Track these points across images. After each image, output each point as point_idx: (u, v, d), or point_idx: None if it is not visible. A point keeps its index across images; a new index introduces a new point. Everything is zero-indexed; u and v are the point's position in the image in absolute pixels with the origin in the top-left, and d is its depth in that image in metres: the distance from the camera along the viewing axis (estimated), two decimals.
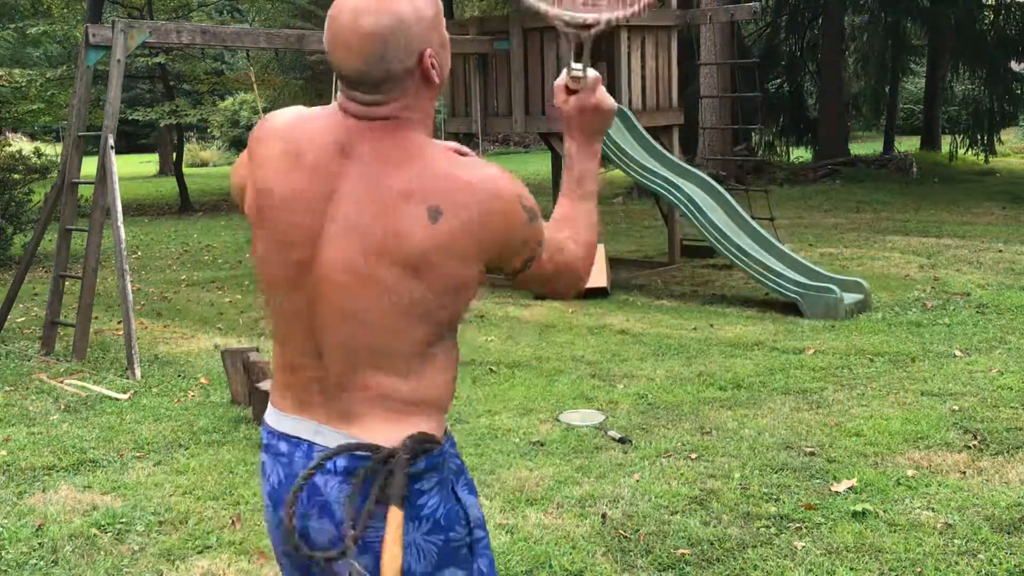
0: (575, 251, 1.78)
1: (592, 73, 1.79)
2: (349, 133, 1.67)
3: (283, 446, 1.76)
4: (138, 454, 4.99)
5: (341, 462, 1.66)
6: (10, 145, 13.34)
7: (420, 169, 1.62)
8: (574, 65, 1.77)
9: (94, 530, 3.98)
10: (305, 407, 1.74)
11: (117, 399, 6.01)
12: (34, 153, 12.40)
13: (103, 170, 6.98)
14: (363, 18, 1.61)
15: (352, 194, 1.64)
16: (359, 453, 1.66)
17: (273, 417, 1.80)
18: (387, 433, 1.67)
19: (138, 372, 6.56)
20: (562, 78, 1.80)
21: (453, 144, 1.74)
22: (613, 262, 10.03)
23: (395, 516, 1.61)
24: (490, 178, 1.64)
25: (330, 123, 1.69)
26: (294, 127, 1.72)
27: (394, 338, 1.66)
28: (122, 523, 4.06)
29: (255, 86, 10.47)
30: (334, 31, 1.64)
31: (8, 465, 4.84)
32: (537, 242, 1.70)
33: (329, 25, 1.65)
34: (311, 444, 1.72)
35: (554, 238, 1.75)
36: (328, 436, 1.70)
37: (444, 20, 1.71)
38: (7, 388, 6.34)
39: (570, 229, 1.79)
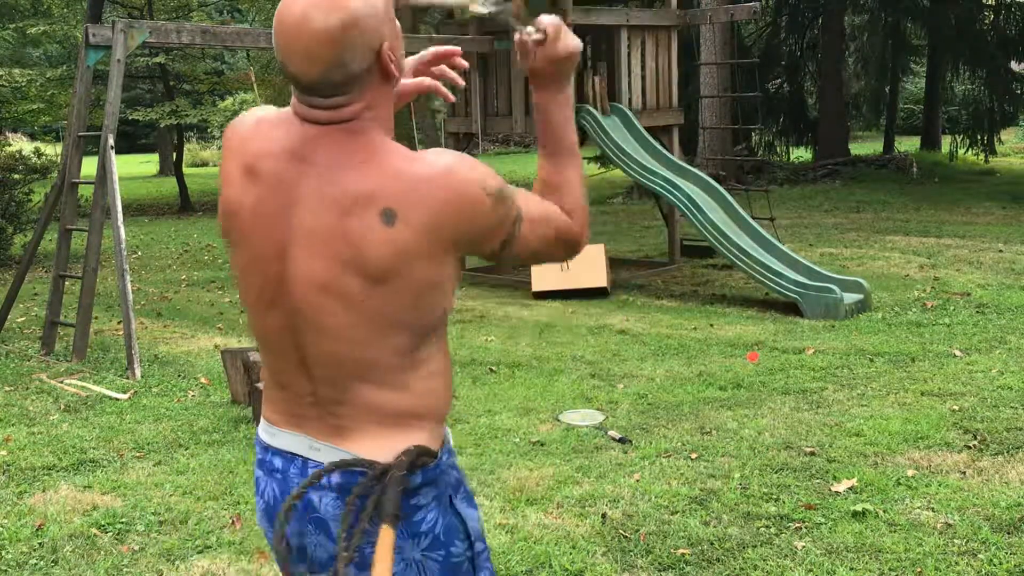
0: (563, 220, 1.69)
1: (549, 20, 1.70)
2: (305, 139, 1.59)
3: (277, 461, 1.71)
4: (138, 454, 4.99)
5: (336, 478, 1.62)
6: (10, 145, 13.34)
7: (375, 171, 1.55)
8: (528, 29, 1.69)
9: (94, 530, 3.98)
10: (298, 422, 1.69)
11: (117, 399, 6.01)
12: (34, 153, 12.39)
13: (103, 170, 6.98)
14: (313, 18, 1.50)
15: (309, 203, 1.57)
16: (354, 469, 1.62)
17: (266, 431, 1.75)
18: (381, 448, 1.63)
19: (138, 372, 6.56)
20: (522, 37, 1.70)
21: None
22: (613, 262, 10.03)
23: (386, 534, 1.56)
24: (444, 169, 1.54)
25: (287, 130, 1.62)
26: (252, 138, 1.66)
27: (374, 350, 1.59)
28: (122, 523, 4.05)
29: (255, 86, 10.46)
30: (284, 36, 1.53)
31: (8, 465, 4.84)
32: (512, 222, 1.61)
33: (277, 30, 1.55)
34: (305, 460, 1.67)
35: (537, 211, 1.66)
36: (323, 452, 1.66)
37: (393, 8, 1.61)
38: (7, 388, 6.34)
39: (554, 196, 1.70)
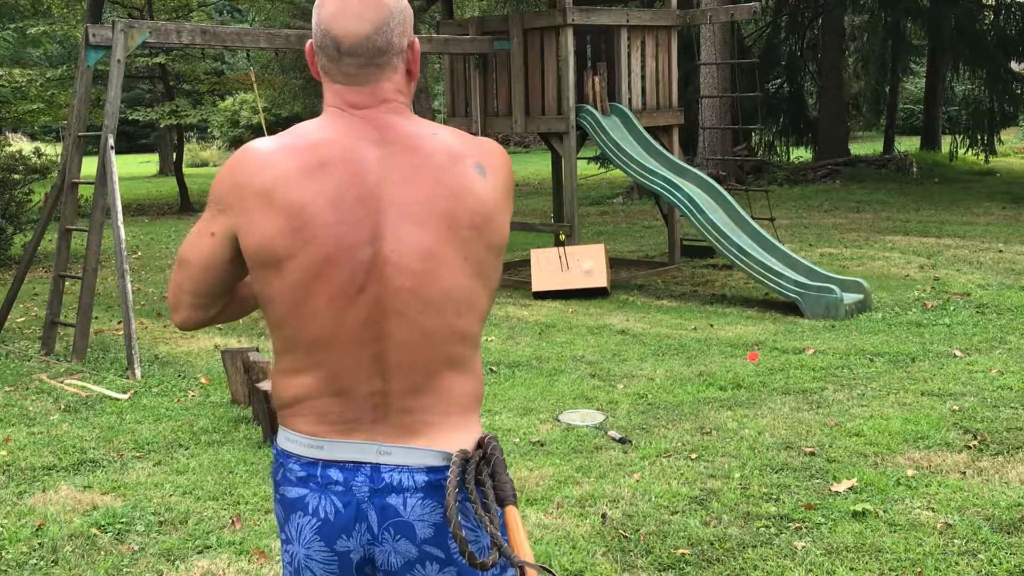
0: None
1: None
2: (362, 125, 1.66)
3: (335, 474, 1.64)
4: (138, 454, 4.99)
5: (422, 477, 1.61)
6: (10, 145, 13.34)
7: (448, 134, 1.67)
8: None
9: (94, 530, 3.98)
10: (357, 429, 1.64)
11: (117, 399, 6.01)
12: (34, 153, 12.38)
13: (103, 170, 6.98)
14: None
15: (397, 177, 1.61)
16: (435, 465, 1.62)
17: (310, 445, 1.66)
18: (456, 440, 1.64)
19: (138, 372, 6.56)
20: None
21: None
22: (613, 262, 10.03)
23: (512, 514, 1.60)
24: (500, 147, 1.72)
25: (336, 125, 1.66)
26: (295, 144, 1.64)
27: (466, 320, 1.65)
28: (122, 523, 4.05)
29: (255, 86, 10.45)
30: (340, 4, 1.65)
31: (8, 465, 4.84)
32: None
33: (331, 1, 1.67)
34: (376, 466, 1.62)
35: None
36: (395, 455, 1.62)
37: None
38: (7, 388, 6.34)
39: None
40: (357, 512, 1.63)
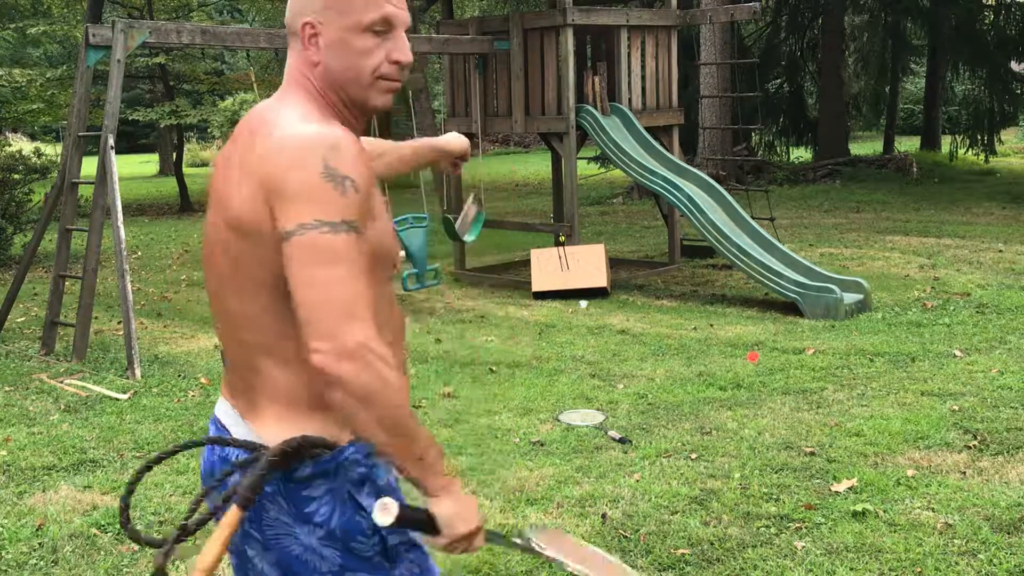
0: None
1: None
2: None
3: (211, 429, 1.79)
4: (138, 454, 4.99)
5: (241, 455, 1.68)
6: (10, 145, 13.33)
7: (272, 117, 1.66)
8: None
9: (94, 530, 3.98)
10: (231, 392, 1.76)
11: (117, 399, 6.01)
12: (34, 153, 12.38)
13: (103, 170, 6.98)
14: None
15: (219, 162, 1.72)
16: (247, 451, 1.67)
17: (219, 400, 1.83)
18: (279, 432, 1.64)
19: (138, 372, 6.56)
20: None
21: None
22: (613, 262, 10.03)
23: (231, 515, 1.58)
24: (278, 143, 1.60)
25: None
26: None
27: (257, 308, 1.63)
28: None
29: (255, 86, 10.45)
30: None
31: (8, 465, 4.84)
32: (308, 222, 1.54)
33: None
34: (227, 431, 1.74)
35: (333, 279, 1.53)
36: (239, 428, 1.71)
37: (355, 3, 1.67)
38: (7, 388, 6.34)
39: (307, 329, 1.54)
40: None
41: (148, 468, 1.72)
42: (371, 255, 1.60)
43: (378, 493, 1.66)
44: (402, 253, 8.12)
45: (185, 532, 1.61)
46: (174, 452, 1.74)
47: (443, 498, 1.61)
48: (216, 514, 1.62)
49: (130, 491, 1.71)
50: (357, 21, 1.67)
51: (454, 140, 2.30)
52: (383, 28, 1.69)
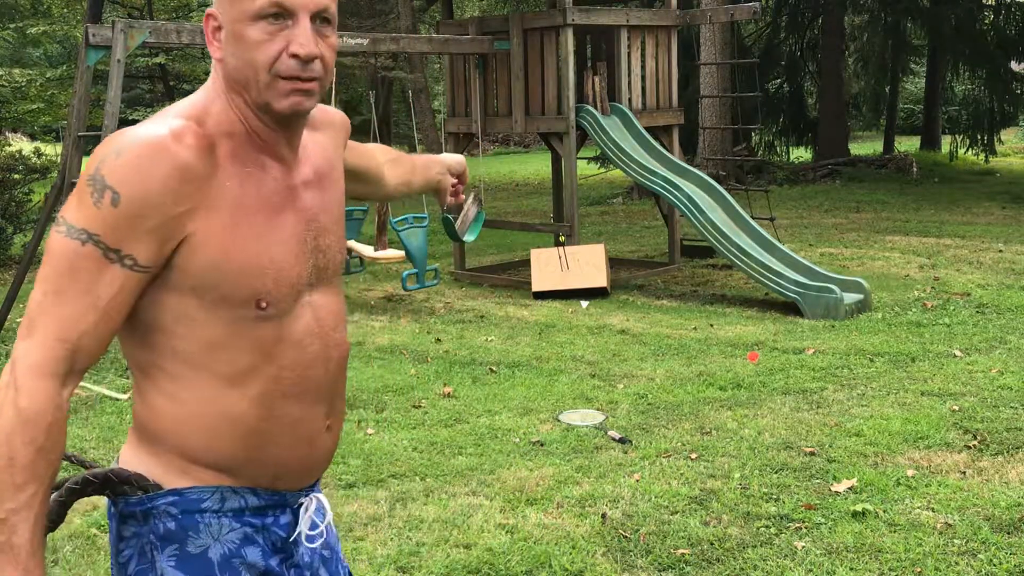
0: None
1: None
2: None
3: None
4: None
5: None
6: (10, 145, 13.32)
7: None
8: None
9: (94, 530, 3.98)
10: None
11: (117, 399, 6.01)
12: (34, 153, 12.37)
13: None
14: None
15: None
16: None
17: None
18: (126, 458, 1.53)
19: None
20: None
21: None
22: (613, 262, 10.03)
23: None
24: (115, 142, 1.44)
25: None
26: None
27: (121, 330, 1.50)
28: None
29: None
30: None
31: None
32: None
33: None
34: None
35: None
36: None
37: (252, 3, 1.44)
38: None
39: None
40: None
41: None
42: (197, 289, 1.43)
43: (185, 558, 1.47)
44: (401, 253, 8.14)
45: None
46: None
47: None
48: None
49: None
50: (246, 8, 1.42)
51: (451, 157, 2.16)
52: (277, 13, 1.42)
